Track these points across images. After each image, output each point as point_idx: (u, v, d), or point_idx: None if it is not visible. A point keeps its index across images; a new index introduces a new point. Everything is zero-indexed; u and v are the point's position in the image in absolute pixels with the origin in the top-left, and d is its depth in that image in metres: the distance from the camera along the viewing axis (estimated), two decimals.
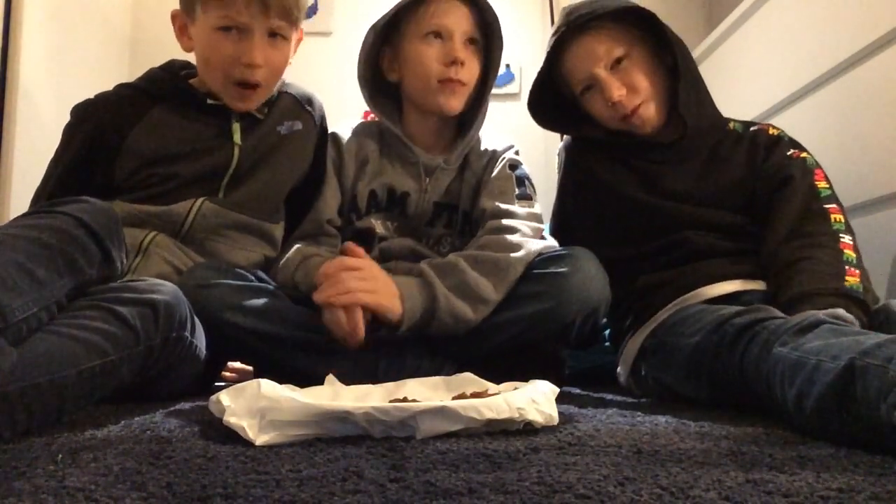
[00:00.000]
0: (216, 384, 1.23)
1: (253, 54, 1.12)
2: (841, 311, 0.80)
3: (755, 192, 1.16)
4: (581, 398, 1.10)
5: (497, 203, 1.21)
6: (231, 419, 0.66)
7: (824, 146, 1.46)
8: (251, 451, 0.61)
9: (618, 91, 1.17)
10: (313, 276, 1.08)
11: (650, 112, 1.19)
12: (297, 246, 1.19)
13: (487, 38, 1.25)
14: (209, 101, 1.20)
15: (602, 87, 1.18)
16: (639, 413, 0.87)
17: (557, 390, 0.78)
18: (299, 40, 1.25)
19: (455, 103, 1.23)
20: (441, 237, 1.28)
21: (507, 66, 2.62)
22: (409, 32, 1.23)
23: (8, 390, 0.63)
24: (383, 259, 1.21)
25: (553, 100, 1.29)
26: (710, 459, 0.57)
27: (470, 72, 1.22)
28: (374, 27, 1.22)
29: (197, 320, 0.96)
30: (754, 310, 0.88)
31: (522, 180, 1.27)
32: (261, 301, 1.07)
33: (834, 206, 1.11)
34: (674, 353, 1.00)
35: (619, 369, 1.16)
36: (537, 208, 1.24)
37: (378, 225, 1.26)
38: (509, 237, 1.12)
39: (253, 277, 1.12)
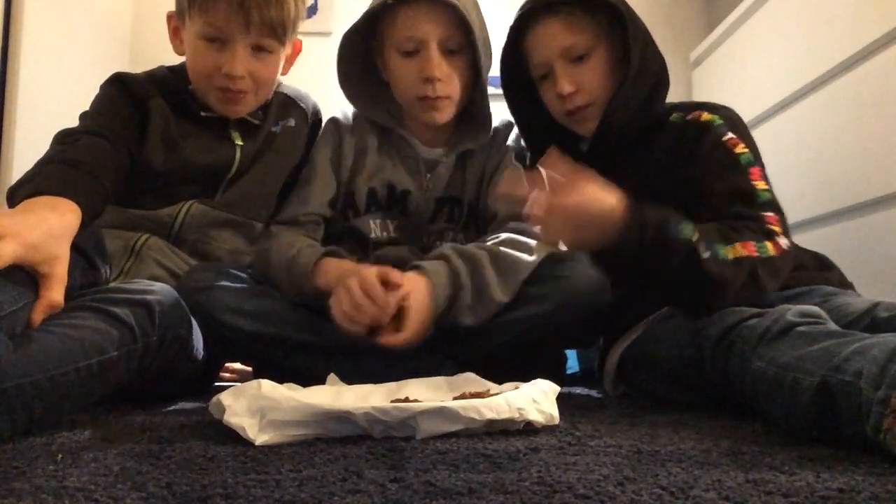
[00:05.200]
0: (216, 384, 1.23)
1: (233, 66, 1.12)
2: (811, 308, 0.79)
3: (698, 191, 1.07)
4: (581, 398, 1.10)
5: (509, 206, 1.16)
6: (231, 419, 0.66)
7: (824, 146, 1.46)
8: (251, 451, 0.61)
9: (568, 88, 1.11)
10: (309, 276, 1.06)
11: (594, 116, 1.14)
12: (283, 237, 1.14)
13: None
14: (203, 114, 1.19)
15: (555, 79, 1.13)
16: (639, 413, 0.87)
17: (558, 389, 0.78)
18: (296, 52, 1.24)
19: (439, 116, 1.17)
20: (443, 231, 1.24)
21: None
22: (387, 39, 1.17)
23: (6, 387, 0.63)
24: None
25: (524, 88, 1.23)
26: (710, 459, 0.57)
27: (450, 85, 1.15)
28: (346, 35, 1.18)
29: (194, 320, 0.96)
30: (723, 315, 0.87)
31: None
32: (260, 303, 1.06)
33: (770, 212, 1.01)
34: (655, 365, 0.99)
35: (604, 382, 1.15)
36: None
37: (377, 226, 1.22)
38: (528, 239, 1.10)
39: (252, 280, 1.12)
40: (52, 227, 0.78)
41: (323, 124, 1.30)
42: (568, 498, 0.45)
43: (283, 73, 1.24)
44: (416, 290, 1.00)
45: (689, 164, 1.08)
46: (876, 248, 1.31)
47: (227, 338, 1.03)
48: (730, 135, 1.07)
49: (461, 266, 1.04)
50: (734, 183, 1.02)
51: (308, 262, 1.07)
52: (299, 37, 1.23)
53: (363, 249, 1.20)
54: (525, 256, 1.08)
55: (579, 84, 1.12)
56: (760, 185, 1.02)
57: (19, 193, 0.86)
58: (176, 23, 1.18)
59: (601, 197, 0.89)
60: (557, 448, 0.62)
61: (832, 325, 0.76)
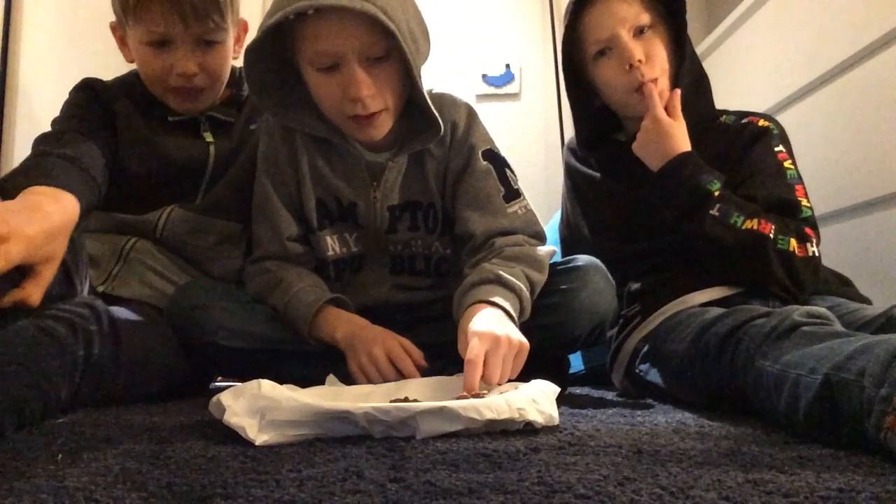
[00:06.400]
0: (216, 384, 1.23)
1: (184, 64, 1.10)
2: (818, 309, 0.79)
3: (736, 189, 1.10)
4: (581, 398, 1.10)
5: (488, 222, 1.08)
6: (231, 419, 0.66)
7: (824, 146, 1.46)
8: (251, 451, 0.61)
9: (639, 54, 1.09)
10: (308, 321, 1.03)
11: (666, 88, 1.12)
12: (280, 277, 1.09)
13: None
14: (170, 119, 1.17)
15: (621, 49, 1.10)
16: (639, 413, 0.87)
17: (558, 390, 0.78)
18: (245, 32, 1.20)
19: (376, 133, 1.03)
20: (409, 241, 1.14)
21: (507, 66, 2.61)
22: (298, 50, 1.00)
23: None
24: (369, 313, 1.07)
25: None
26: (710, 459, 0.57)
27: (382, 97, 1.00)
28: (249, 50, 1.00)
29: (122, 329, 0.92)
30: (733, 312, 0.88)
31: (503, 172, 1.11)
32: (257, 321, 1.05)
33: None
34: (664, 359, 1.00)
35: (612, 374, 1.16)
36: (527, 201, 1.12)
37: (334, 242, 1.13)
38: (536, 252, 1.05)
39: (247, 296, 1.11)
40: (54, 224, 0.77)
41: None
42: (568, 498, 0.45)
43: (236, 57, 1.19)
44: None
45: (738, 163, 1.12)
46: (876, 248, 1.31)
47: (225, 357, 1.03)
48: (781, 147, 1.13)
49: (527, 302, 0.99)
50: (780, 192, 1.08)
51: (307, 312, 1.03)
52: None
53: (323, 269, 1.14)
54: (540, 276, 1.04)
55: (647, 54, 1.11)
56: (805, 202, 1.08)
57: (14, 184, 0.84)
58: (120, 32, 1.16)
59: (682, 133, 1.09)
60: (557, 448, 0.62)
61: (838, 326, 0.76)
